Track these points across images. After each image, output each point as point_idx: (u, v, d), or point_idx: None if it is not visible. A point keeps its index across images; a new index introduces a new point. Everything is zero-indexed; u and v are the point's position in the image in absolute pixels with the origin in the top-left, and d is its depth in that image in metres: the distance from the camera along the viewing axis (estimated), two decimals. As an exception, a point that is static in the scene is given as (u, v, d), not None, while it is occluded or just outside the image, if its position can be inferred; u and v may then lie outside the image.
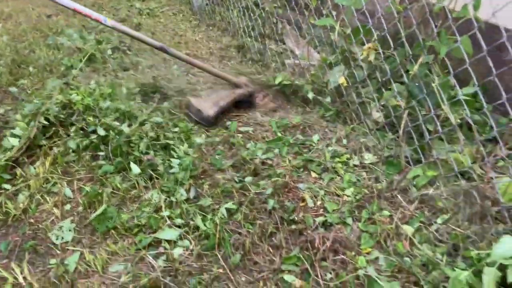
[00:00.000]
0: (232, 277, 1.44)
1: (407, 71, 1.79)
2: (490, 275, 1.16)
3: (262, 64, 2.89)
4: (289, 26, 2.93)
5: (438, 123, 1.66)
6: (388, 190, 1.71)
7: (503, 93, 1.47)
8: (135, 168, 1.83)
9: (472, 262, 1.28)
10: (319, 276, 1.42)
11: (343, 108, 2.21)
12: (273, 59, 2.82)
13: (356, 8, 2.07)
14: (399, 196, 1.69)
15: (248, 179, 1.81)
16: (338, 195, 1.75)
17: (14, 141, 1.91)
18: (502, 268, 1.18)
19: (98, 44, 3.00)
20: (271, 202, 1.67)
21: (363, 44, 2.04)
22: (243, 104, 2.37)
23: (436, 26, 1.61)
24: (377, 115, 2.04)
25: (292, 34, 2.99)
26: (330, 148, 1.98)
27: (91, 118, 2.01)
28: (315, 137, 2.07)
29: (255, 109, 2.39)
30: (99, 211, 1.60)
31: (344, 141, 2.04)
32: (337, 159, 1.92)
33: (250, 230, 1.59)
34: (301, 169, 1.88)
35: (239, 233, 1.58)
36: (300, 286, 1.39)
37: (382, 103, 1.99)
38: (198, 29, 3.74)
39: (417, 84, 1.69)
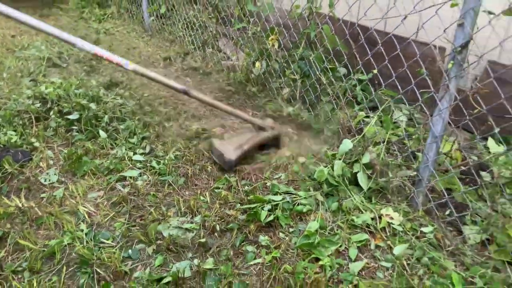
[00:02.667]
0: (179, 192, 2.05)
1: (300, 55, 2.54)
2: (338, 165, 1.87)
3: (205, 67, 3.57)
4: (222, 33, 3.64)
5: (318, 87, 2.40)
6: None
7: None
8: (103, 134, 2.41)
9: (329, 159, 1.98)
10: (239, 187, 2.07)
11: (264, 89, 2.92)
12: (212, 60, 3.51)
13: (270, 12, 2.82)
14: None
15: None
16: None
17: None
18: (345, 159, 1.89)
19: (61, 54, 3.57)
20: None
21: (280, 45, 2.78)
22: (268, 147, 2.34)
23: (308, 20, 2.37)
24: (285, 91, 2.75)
25: (225, 40, 3.70)
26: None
27: (66, 104, 2.58)
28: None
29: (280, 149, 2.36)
30: (75, 155, 2.16)
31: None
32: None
33: (192, 167, 2.21)
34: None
35: (183, 168, 2.20)
36: (226, 194, 2.02)
37: (286, 80, 2.71)
38: (150, 43, 4.38)
39: (303, 61, 2.43)
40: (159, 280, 1.57)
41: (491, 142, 2.33)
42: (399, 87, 1.89)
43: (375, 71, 2.11)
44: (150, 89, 3.11)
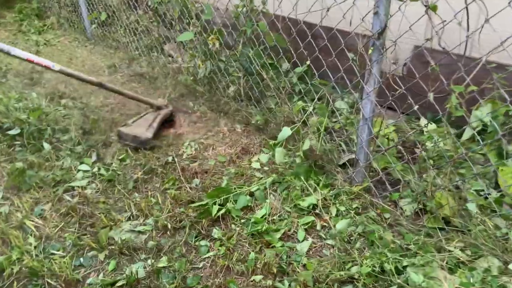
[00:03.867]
0: (129, 196, 2.05)
1: (240, 52, 2.60)
2: (279, 151, 1.96)
3: (151, 72, 3.56)
4: (165, 37, 3.65)
5: (261, 83, 2.49)
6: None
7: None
8: (47, 146, 2.36)
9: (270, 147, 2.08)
10: (189, 185, 2.11)
11: (211, 88, 2.97)
12: (158, 64, 3.51)
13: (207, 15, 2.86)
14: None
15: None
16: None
17: None
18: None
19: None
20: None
21: (221, 44, 2.82)
22: (167, 122, 2.68)
23: (244, 18, 2.45)
24: (232, 88, 2.81)
25: (172, 44, 3.71)
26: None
27: (5, 119, 2.50)
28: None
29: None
30: (18, 170, 2.11)
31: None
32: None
33: (141, 172, 2.22)
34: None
35: (133, 173, 2.21)
36: (177, 193, 2.05)
37: (231, 78, 2.77)
38: (94, 51, 4.29)
39: (244, 59, 2.51)
40: (113, 284, 1.59)
41: (423, 121, 2.52)
42: (331, 76, 2.00)
43: (308, 63, 2.21)
44: (96, 98, 3.06)
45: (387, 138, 2.25)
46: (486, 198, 1.82)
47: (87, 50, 4.34)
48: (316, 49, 2.08)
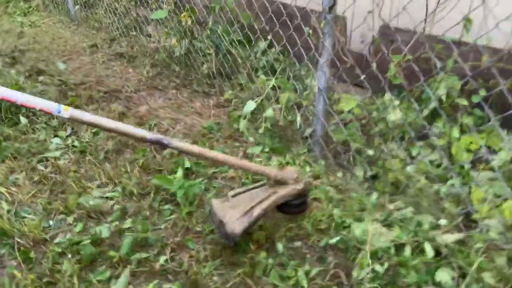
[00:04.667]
0: (100, 167, 2.16)
1: (210, 30, 2.69)
2: (242, 123, 2.06)
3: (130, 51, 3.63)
4: (143, 16, 3.71)
5: (230, 59, 2.58)
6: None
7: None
8: (23, 120, 2.46)
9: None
10: (158, 155, 2.22)
11: (186, 66, 3.06)
12: (137, 43, 3.59)
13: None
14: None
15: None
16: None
17: None
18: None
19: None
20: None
21: (193, 21, 2.90)
22: (289, 207, 1.68)
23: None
24: (205, 66, 2.90)
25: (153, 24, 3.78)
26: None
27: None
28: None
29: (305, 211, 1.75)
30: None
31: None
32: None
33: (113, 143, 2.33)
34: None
35: (105, 145, 2.31)
36: (144, 161, 2.16)
37: (205, 56, 2.86)
38: (77, 32, 4.35)
39: (214, 36, 2.59)
40: (78, 243, 1.70)
41: (387, 96, 2.62)
42: (290, 51, 2.10)
43: (269, 37, 2.30)
44: (75, 76, 3.14)
45: (350, 112, 2.36)
46: (438, 166, 1.94)
47: (71, 31, 4.40)
48: (291, 27, 2.15)
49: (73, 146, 2.31)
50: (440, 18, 1.90)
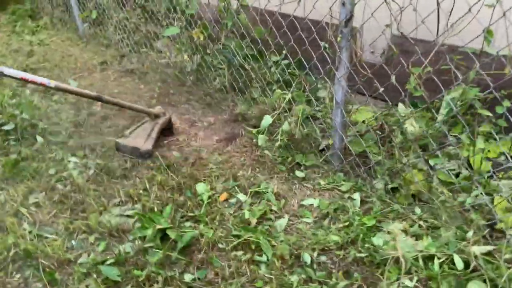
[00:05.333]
0: (118, 184, 2.16)
1: (223, 45, 2.71)
2: (261, 138, 2.07)
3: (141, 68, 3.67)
4: (154, 33, 3.76)
5: (244, 74, 2.60)
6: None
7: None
8: (40, 139, 2.47)
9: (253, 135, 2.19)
10: (176, 172, 2.22)
11: (198, 81, 3.08)
12: (147, 60, 3.62)
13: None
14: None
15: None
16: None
17: None
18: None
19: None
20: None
21: (205, 37, 2.93)
22: (165, 131, 2.56)
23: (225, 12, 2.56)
24: (217, 81, 2.92)
25: (161, 40, 3.82)
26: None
27: (0, 115, 2.62)
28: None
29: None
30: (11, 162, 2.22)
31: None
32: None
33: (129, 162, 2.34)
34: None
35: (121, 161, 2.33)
36: (161, 180, 2.16)
37: (217, 71, 2.88)
38: (86, 49, 4.39)
39: (227, 51, 2.61)
40: (103, 262, 1.70)
41: (401, 107, 2.62)
42: (305, 65, 2.11)
43: (284, 52, 2.32)
44: (97, 89, 3.17)
45: (364, 122, 2.36)
46: (457, 176, 1.94)
47: (79, 49, 4.44)
48: (306, 41, 2.16)
49: (90, 165, 2.31)
50: (452, 28, 1.92)
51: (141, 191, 2.10)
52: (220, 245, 1.76)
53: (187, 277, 1.61)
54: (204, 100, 2.98)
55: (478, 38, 1.49)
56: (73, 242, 1.83)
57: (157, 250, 1.73)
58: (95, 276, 1.62)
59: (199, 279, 1.61)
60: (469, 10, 1.43)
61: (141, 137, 2.38)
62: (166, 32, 2.81)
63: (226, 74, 2.73)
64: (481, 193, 1.58)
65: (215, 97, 2.90)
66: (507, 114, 1.46)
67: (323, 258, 1.66)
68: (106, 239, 1.84)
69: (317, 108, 2.20)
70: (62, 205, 2.04)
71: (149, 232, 1.80)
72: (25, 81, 2.18)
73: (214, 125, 2.70)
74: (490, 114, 1.77)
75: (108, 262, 1.69)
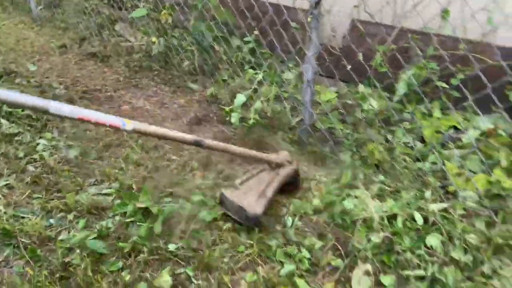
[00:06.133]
0: (93, 164, 2.17)
1: (192, 27, 2.75)
2: (234, 117, 2.15)
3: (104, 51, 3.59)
4: (116, 17, 3.69)
5: (214, 56, 2.66)
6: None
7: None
8: (5, 122, 2.40)
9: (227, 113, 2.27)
10: (148, 154, 2.25)
11: (166, 64, 3.09)
12: (110, 43, 3.56)
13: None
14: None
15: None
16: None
17: None
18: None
19: None
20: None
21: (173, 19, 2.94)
22: (288, 186, 1.91)
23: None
24: (186, 63, 2.95)
25: (122, 24, 3.76)
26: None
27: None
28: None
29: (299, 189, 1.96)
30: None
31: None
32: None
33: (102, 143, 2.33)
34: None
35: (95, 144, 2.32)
36: (138, 157, 2.19)
37: (186, 53, 2.91)
38: (41, 32, 4.22)
39: (197, 33, 2.66)
40: (85, 238, 1.72)
41: (361, 87, 2.81)
42: (278, 46, 2.22)
43: (255, 32, 2.41)
44: (50, 77, 3.08)
45: (330, 101, 2.52)
46: (412, 148, 2.14)
47: (34, 32, 4.26)
48: (277, 23, 2.27)
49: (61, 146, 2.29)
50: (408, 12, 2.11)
51: (117, 170, 2.12)
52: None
53: (172, 247, 1.68)
54: (173, 82, 3.00)
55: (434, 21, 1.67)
56: (51, 220, 1.82)
57: (141, 224, 1.78)
58: (78, 251, 1.65)
59: (183, 248, 1.69)
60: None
61: (252, 194, 1.75)
62: (134, 14, 2.80)
63: (195, 56, 2.77)
64: (437, 159, 1.77)
65: (184, 80, 2.94)
66: (461, 85, 1.65)
67: (299, 223, 1.79)
68: (85, 217, 1.85)
69: (287, 88, 2.32)
70: (36, 186, 2.02)
71: (129, 208, 1.84)
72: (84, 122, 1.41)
73: (184, 107, 2.75)
74: (447, 86, 1.98)
75: (91, 237, 1.71)
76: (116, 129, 1.54)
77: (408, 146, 2.14)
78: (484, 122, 2.13)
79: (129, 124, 1.49)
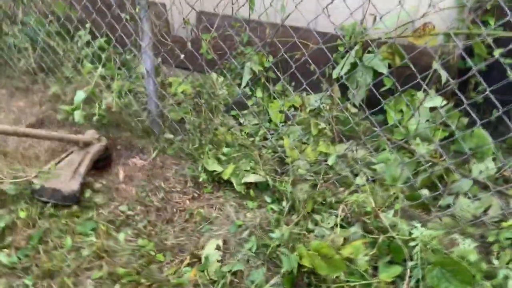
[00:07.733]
0: None
1: (22, 23, 2.52)
2: (77, 113, 2.06)
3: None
4: None
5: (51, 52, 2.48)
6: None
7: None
8: None
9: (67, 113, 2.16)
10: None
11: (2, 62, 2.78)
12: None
13: None
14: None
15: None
16: None
17: None
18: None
19: None
20: None
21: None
22: (100, 162, 2.00)
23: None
24: (22, 63, 2.69)
25: None
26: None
27: None
28: None
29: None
30: None
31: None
32: None
33: None
34: None
35: None
36: None
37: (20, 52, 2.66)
38: None
39: (29, 29, 2.45)
40: None
41: (214, 75, 2.93)
42: (112, 38, 2.17)
43: (88, 26, 2.33)
44: None
45: (183, 93, 2.57)
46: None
47: None
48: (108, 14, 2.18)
49: None
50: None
51: None
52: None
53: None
54: (11, 84, 2.72)
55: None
56: None
57: None
58: None
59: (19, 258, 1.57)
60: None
61: (65, 174, 1.79)
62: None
63: (31, 54, 2.55)
64: (268, 133, 1.96)
65: (23, 80, 2.69)
66: (296, 72, 1.83)
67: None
68: None
69: (131, 80, 2.29)
70: None
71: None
72: None
73: (24, 109, 2.52)
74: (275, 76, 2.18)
75: None
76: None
77: (256, 127, 2.32)
78: (317, 101, 2.43)
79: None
